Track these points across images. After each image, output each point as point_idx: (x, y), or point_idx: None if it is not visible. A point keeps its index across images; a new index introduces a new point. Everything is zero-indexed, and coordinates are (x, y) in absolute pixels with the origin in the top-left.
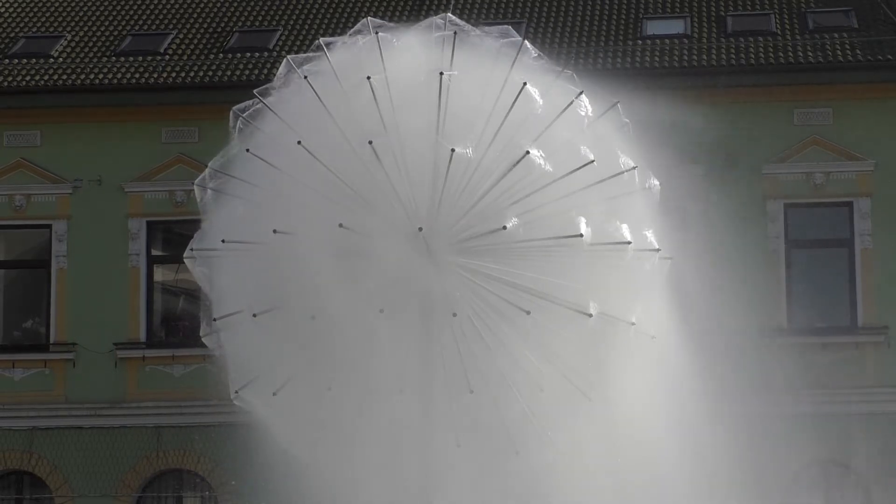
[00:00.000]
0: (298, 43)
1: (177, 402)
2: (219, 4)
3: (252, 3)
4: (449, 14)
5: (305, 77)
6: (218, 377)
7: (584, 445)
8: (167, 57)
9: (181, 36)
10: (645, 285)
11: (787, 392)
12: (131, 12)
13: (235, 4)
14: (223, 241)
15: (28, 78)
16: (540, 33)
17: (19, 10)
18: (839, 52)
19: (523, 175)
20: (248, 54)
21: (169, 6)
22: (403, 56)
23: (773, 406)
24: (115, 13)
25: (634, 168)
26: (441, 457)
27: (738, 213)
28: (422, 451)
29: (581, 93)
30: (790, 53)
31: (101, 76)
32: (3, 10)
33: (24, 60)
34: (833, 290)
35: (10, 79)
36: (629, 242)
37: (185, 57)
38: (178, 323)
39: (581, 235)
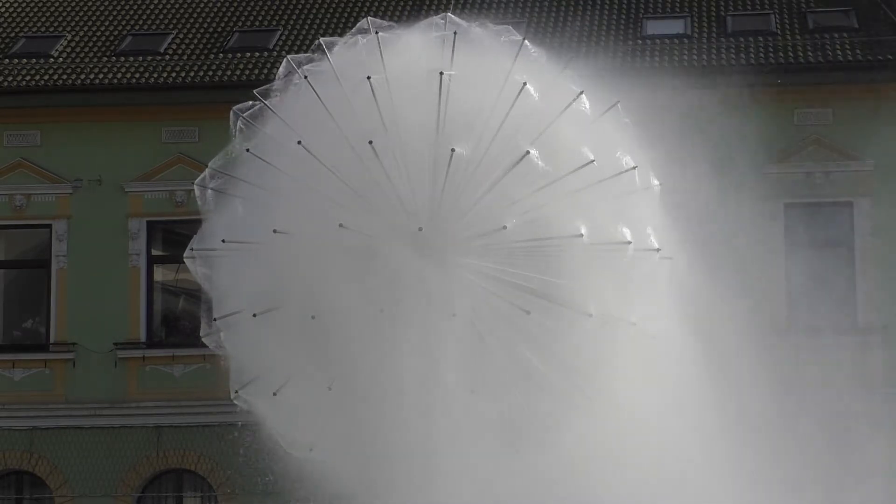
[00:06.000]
0: (298, 43)
1: (177, 402)
2: (219, 4)
3: (252, 3)
4: (449, 14)
5: (306, 77)
6: (218, 377)
7: (586, 445)
8: (167, 57)
9: (181, 36)
10: (645, 285)
11: (787, 392)
12: (131, 12)
13: (235, 4)
14: (223, 241)
15: (28, 78)
16: (540, 33)
17: (19, 10)
18: (839, 52)
19: (523, 175)
20: (248, 54)
21: (169, 6)
22: (403, 56)
23: (772, 406)
24: (115, 13)
25: (635, 168)
26: (442, 456)
27: (737, 213)
28: (422, 449)
29: (581, 93)
30: (790, 53)
31: (101, 76)
32: (3, 10)
33: (24, 60)
34: (833, 290)
35: (10, 79)
36: (629, 242)
37: (185, 57)
38: (178, 323)
39: (581, 235)
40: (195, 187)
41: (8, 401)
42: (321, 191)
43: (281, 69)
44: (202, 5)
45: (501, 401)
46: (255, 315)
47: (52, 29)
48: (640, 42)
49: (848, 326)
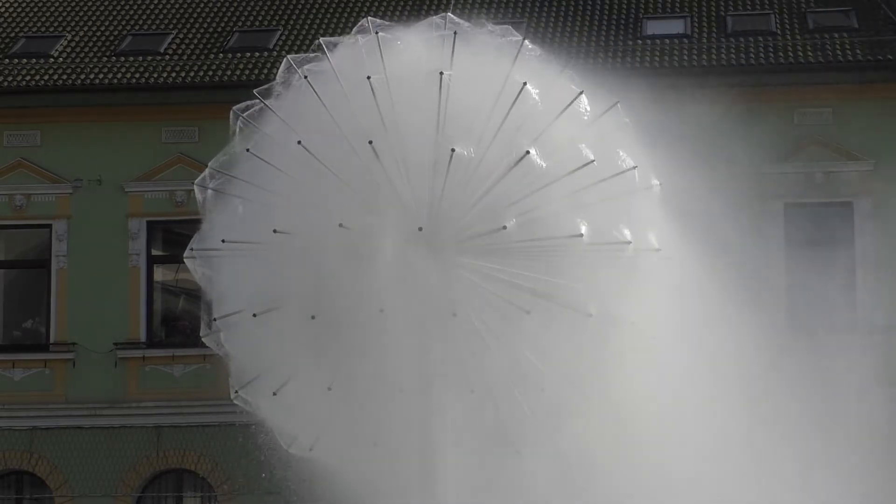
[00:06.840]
0: (298, 43)
1: (177, 402)
2: (219, 4)
3: (252, 3)
4: (449, 14)
5: (306, 77)
6: (218, 377)
7: (588, 445)
8: (167, 57)
9: (181, 36)
10: (645, 285)
11: (786, 392)
12: (131, 12)
13: (235, 4)
14: (223, 241)
15: (28, 78)
16: (540, 33)
17: (19, 10)
18: (839, 52)
19: (523, 175)
20: (248, 54)
21: (169, 6)
22: (403, 56)
23: (771, 406)
24: (115, 13)
25: (635, 168)
26: (442, 456)
27: (737, 213)
28: (423, 449)
29: (581, 92)
30: (790, 53)
31: (101, 76)
32: (3, 10)
33: (24, 60)
34: (833, 290)
35: (10, 79)
36: (629, 242)
37: (185, 57)
38: (178, 323)
39: (581, 235)
40: (195, 187)
41: (8, 401)
42: (321, 191)
43: (281, 69)
44: (202, 5)
45: (501, 401)
46: (255, 315)
47: (52, 29)
48: (640, 42)
49: (848, 326)
